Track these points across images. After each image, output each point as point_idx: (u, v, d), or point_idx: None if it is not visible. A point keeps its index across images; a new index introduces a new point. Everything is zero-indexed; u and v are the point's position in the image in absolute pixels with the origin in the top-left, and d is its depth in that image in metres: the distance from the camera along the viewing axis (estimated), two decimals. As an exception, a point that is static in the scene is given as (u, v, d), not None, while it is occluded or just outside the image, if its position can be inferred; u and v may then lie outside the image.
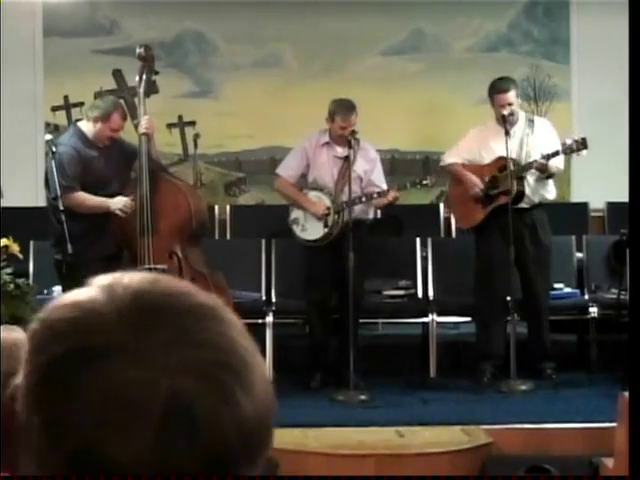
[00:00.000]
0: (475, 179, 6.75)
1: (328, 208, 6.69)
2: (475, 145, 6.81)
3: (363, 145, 6.68)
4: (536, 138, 6.69)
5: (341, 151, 6.76)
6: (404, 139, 8.97)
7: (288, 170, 6.88)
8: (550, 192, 6.87)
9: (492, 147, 6.73)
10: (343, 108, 6.70)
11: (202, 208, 6.47)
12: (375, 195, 6.66)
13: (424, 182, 6.88)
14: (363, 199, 6.66)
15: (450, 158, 6.92)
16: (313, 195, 6.77)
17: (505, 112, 6.62)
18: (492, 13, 9.02)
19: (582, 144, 6.48)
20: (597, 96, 8.74)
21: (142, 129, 6.28)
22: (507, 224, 6.50)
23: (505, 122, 6.58)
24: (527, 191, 6.70)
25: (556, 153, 6.53)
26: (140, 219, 6.21)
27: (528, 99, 8.80)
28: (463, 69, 8.97)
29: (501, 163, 6.65)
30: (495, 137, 6.71)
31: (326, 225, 6.70)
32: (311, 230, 6.74)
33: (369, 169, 6.76)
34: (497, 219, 6.63)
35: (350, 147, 6.55)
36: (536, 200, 6.76)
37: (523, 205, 6.69)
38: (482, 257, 6.83)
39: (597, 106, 8.67)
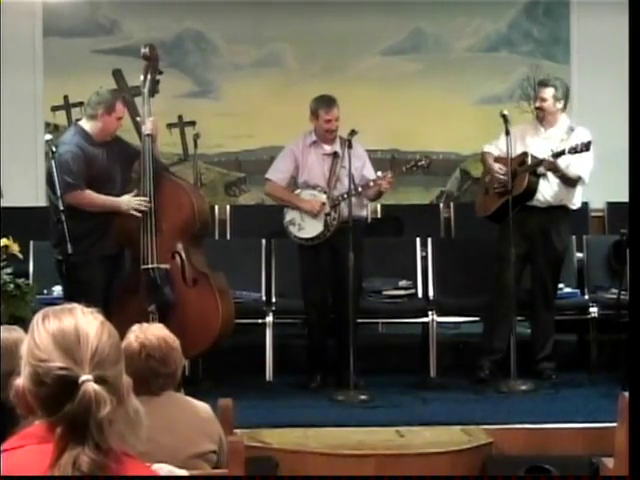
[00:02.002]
0: (496, 166, 6.78)
1: (323, 204, 6.69)
2: (514, 139, 6.82)
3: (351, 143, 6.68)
4: (569, 145, 6.67)
5: (329, 148, 6.78)
6: (404, 139, 8.97)
7: (278, 174, 6.87)
8: (572, 200, 6.83)
9: (527, 143, 6.78)
10: (325, 102, 6.73)
11: (205, 208, 6.46)
12: (371, 183, 6.66)
13: (420, 163, 6.90)
14: (359, 189, 6.65)
15: (487, 148, 6.98)
16: (307, 194, 6.76)
17: (535, 104, 6.84)
18: (492, 13, 9.02)
19: (585, 146, 6.49)
20: (597, 96, 8.74)
21: (147, 130, 6.25)
22: (519, 220, 6.53)
23: (538, 117, 6.78)
24: (547, 192, 6.70)
25: (562, 152, 6.53)
26: (143, 218, 6.21)
27: (528, 99, 8.80)
28: (463, 69, 8.98)
29: (522, 158, 6.69)
30: (532, 134, 6.77)
31: (325, 223, 6.69)
32: (308, 228, 6.74)
33: (360, 165, 6.77)
34: (513, 216, 6.61)
35: (350, 146, 6.54)
36: (553, 202, 6.75)
37: (537, 204, 6.71)
38: (496, 252, 6.85)
39: (597, 106, 8.66)
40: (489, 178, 6.92)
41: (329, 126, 6.71)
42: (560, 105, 6.81)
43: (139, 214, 6.19)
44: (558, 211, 6.81)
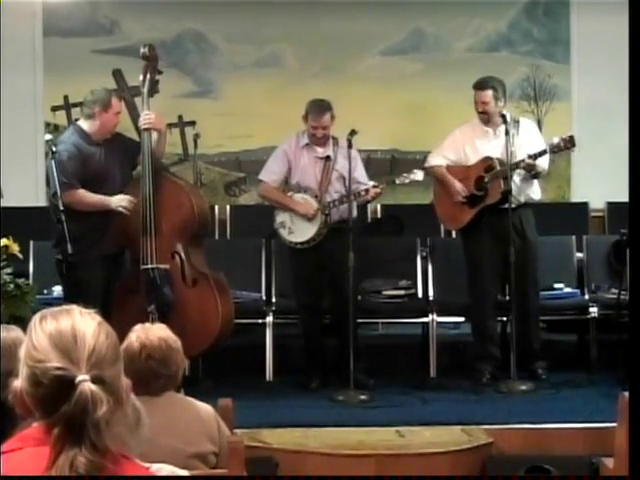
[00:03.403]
0: (458, 185, 6.74)
1: (318, 209, 6.67)
2: (460, 144, 6.81)
3: (343, 144, 6.66)
4: (521, 138, 6.67)
5: (321, 151, 6.76)
6: (404, 139, 8.96)
7: (271, 175, 6.85)
8: (535, 192, 6.84)
9: (477, 146, 6.74)
10: (315, 108, 6.70)
11: (204, 208, 6.45)
12: (363, 192, 6.63)
13: (412, 175, 6.87)
14: (352, 197, 6.62)
15: (434, 160, 6.91)
16: (298, 197, 6.75)
17: (478, 109, 6.72)
18: (492, 13, 9.02)
19: (570, 142, 6.47)
20: (597, 96, 8.74)
21: (143, 124, 6.25)
22: (494, 224, 6.51)
23: (483, 120, 6.68)
24: (514, 191, 6.67)
25: (543, 152, 6.52)
26: (142, 219, 6.20)
27: (528, 99, 8.81)
28: (463, 69, 8.96)
29: (487, 163, 6.65)
30: (480, 136, 6.72)
31: (318, 228, 6.66)
32: (299, 232, 6.72)
33: (352, 167, 6.71)
34: (484, 219, 6.63)
35: (350, 146, 6.53)
36: (522, 200, 6.74)
37: (502, 206, 6.67)
38: (470, 257, 6.82)
39: (597, 106, 8.67)
40: (447, 191, 6.84)
41: (314, 132, 6.69)
42: (502, 103, 6.78)
43: (127, 212, 6.18)
44: (525, 207, 6.79)
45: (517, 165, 6.58)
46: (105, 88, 6.50)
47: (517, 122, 6.78)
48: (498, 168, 6.57)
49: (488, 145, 6.67)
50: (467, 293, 6.86)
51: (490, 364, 6.75)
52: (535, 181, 6.81)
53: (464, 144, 6.78)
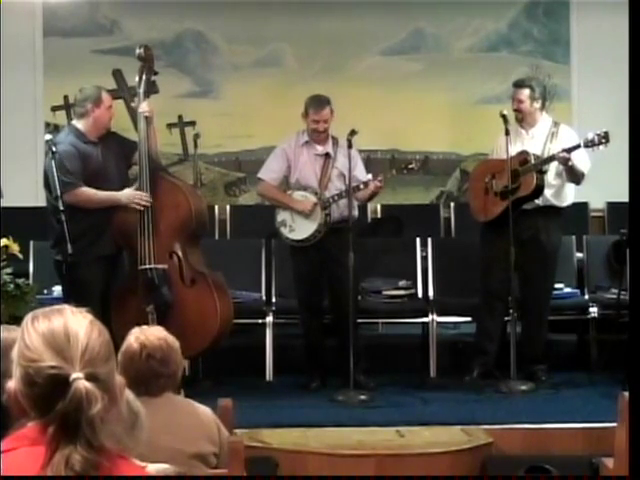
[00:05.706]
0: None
1: (315, 204, 6.68)
2: (502, 142, 6.78)
3: (342, 143, 6.66)
4: (559, 142, 6.65)
5: (321, 149, 6.77)
6: (404, 139, 8.97)
7: (270, 173, 6.85)
8: (559, 199, 6.75)
9: (516, 144, 6.72)
10: (315, 102, 6.71)
11: (202, 208, 6.45)
12: (361, 186, 6.63)
13: (410, 166, 6.89)
14: (351, 193, 6.62)
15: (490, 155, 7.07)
16: (298, 195, 6.75)
17: (513, 106, 6.76)
18: (492, 13, 9.03)
19: (604, 138, 6.40)
20: (597, 96, 8.74)
21: (143, 111, 6.24)
22: (507, 223, 6.49)
23: (517, 118, 6.70)
24: (546, 191, 6.64)
25: (577, 146, 6.47)
26: (140, 219, 6.20)
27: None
28: (463, 69, 8.98)
29: (522, 157, 6.63)
30: (514, 136, 6.69)
31: (318, 225, 6.66)
32: (299, 230, 6.72)
33: (352, 166, 6.70)
34: (504, 218, 6.57)
35: (350, 146, 6.53)
36: (540, 203, 6.70)
37: (526, 206, 6.65)
38: (483, 254, 6.82)
39: (597, 106, 8.66)
40: (489, 178, 6.84)
41: (316, 126, 6.69)
42: (538, 105, 6.77)
43: (141, 207, 6.17)
44: (546, 212, 6.74)
45: (552, 158, 6.54)
46: (94, 85, 6.47)
47: (557, 124, 6.79)
48: (532, 162, 6.56)
49: (522, 144, 6.68)
50: (478, 287, 6.84)
51: (481, 362, 6.73)
52: (567, 187, 6.75)
53: (499, 142, 6.76)
